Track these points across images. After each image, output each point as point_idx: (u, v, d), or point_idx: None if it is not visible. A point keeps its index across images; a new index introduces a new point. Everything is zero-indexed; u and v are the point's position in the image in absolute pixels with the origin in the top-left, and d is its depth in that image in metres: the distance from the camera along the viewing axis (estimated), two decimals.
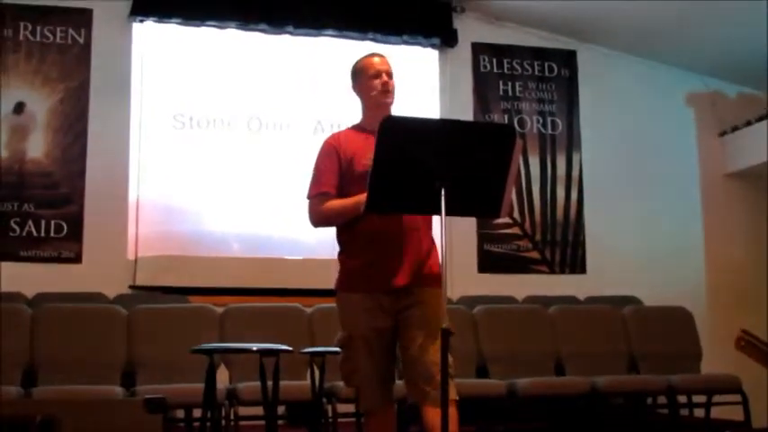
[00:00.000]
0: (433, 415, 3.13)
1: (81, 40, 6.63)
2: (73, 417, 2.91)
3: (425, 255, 3.32)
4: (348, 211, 3.19)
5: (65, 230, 6.37)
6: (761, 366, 6.96)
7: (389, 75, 3.39)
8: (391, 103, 3.41)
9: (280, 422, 4.91)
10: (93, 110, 6.57)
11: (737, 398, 5.59)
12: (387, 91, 3.36)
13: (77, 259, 6.36)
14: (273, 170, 6.86)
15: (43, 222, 6.33)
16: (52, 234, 6.34)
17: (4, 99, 6.40)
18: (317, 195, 3.30)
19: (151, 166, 6.69)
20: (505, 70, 7.54)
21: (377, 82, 3.36)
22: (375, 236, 3.21)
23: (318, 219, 3.33)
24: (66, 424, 2.86)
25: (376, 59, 3.43)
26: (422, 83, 7.33)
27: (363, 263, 3.26)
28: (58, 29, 6.59)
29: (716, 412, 5.87)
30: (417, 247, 3.29)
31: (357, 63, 3.47)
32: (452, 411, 3.20)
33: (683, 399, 5.84)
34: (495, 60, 7.52)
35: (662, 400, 5.90)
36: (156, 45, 6.87)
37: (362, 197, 2.99)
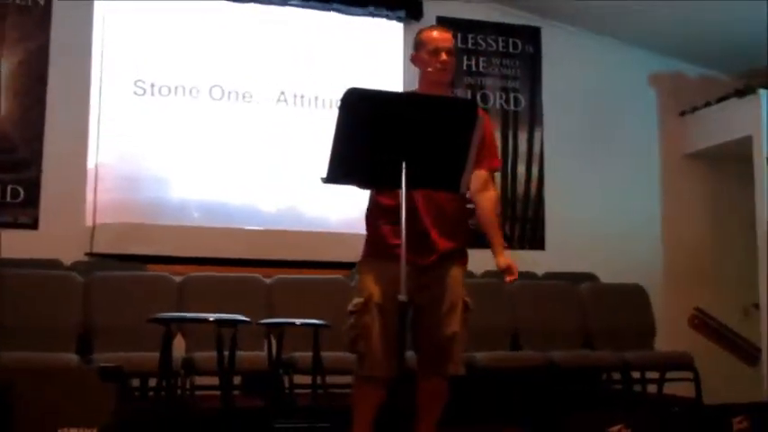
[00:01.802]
0: (436, 384, 3.31)
1: (41, 2, 6.49)
2: (27, 384, 2.89)
3: (451, 229, 3.34)
4: None
5: (21, 196, 6.27)
6: (712, 344, 7.12)
7: (449, 52, 3.38)
8: (447, 81, 3.42)
9: (235, 392, 4.91)
10: (52, 73, 6.43)
11: (690, 374, 5.71)
12: (444, 70, 3.38)
13: (34, 225, 6.25)
14: (235, 139, 6.80)
15: None
16: (8, 199, 6.23)
17: None
18: None
19: (111, 132, 6.58)
20: (470, 45, 7.53)
21: (434, 59, 3.36)
22: (398, 209, 3.21)
23: None
24: (20, 391, 2.84)
25: (436, 34, 3.43)
26: (386, 55, 7.29)
27: (387, 235, 3.30)
28: None
29: (668, 388, 5.99)
30: (443, 222, 3.31)
31: (420, 34, 3.48)
32: (445, 384, 3.30)
33: (636, 374, 5.94)
34: (459, 35, 7.48)
35: (616, 375, 6.00)
36: (118, 9, 6.74)
37: None
